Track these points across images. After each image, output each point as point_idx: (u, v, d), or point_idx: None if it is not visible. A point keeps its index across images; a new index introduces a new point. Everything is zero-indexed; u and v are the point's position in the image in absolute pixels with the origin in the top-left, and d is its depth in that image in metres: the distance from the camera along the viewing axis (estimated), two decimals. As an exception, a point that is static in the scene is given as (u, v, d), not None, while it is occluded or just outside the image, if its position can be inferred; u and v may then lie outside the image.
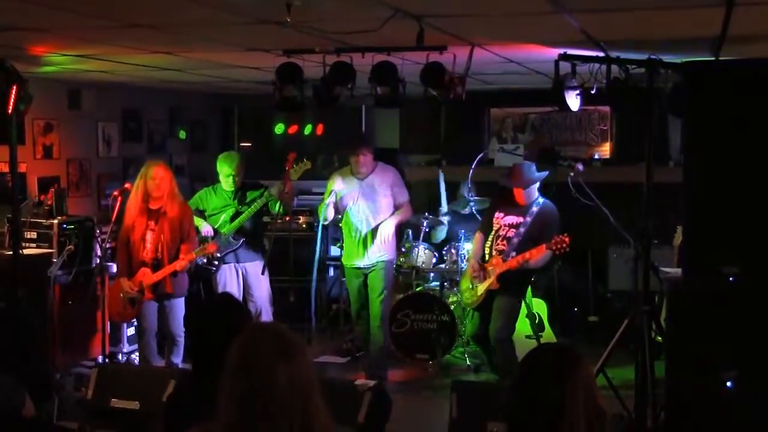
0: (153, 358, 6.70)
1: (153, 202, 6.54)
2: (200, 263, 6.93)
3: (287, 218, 7.26)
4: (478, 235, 6.79)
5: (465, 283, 6.81)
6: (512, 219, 6.54)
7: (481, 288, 6.55)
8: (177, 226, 6.54)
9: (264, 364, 2.30)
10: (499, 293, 6.48)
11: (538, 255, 6.30)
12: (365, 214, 7.02)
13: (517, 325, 6.83)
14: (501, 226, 6.56)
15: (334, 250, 8.84)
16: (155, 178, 6.49)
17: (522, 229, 6.46)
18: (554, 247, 6.17)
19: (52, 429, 3.53)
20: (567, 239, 6.13)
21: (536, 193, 6.58)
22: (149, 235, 6.52)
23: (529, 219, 6.46)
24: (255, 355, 2.33)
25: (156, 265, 6.51)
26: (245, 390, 2.29)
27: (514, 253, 6.40)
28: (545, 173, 6.68)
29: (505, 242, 6.50)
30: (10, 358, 5.68)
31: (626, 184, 7.95)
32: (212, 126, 10.80)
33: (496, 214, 6.63)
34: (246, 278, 7.22)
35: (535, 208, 6.49)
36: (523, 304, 7.03)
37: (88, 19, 4.53)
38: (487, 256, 6.60)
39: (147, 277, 6.50)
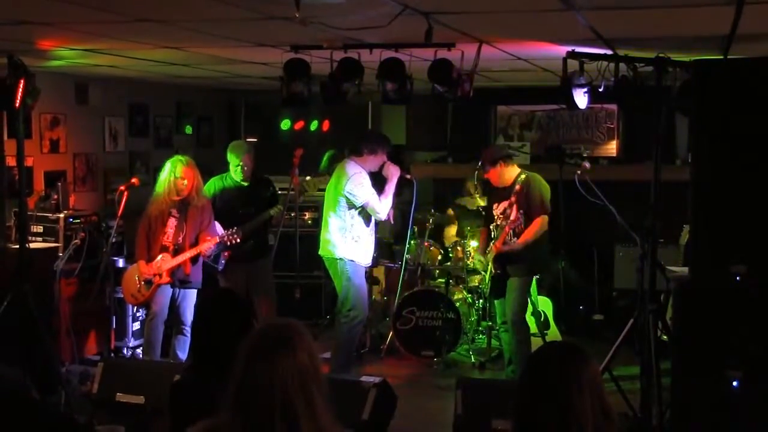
0: (157, 345, 6.70)
1: (179, 194, 6.62)
2: (208, 262, 6.91)
3: (293, 214, 7.22)
4: (483, 231, 7.03)
5: (477, 256, 7.11)
6: (504, 205, 6.67)
7: (487, 276, 6.82)
8: (198, 215, 6.61)
9: (260, 356, 2.30)
10: (508, 276, 6.65)
11: (507, 233, 6.54)
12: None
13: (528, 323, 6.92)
14: (497, 217, 6.71)
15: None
16: (183, 178, 6.55)
17: (509, 211, 6.59)
18: (513, 226, 6.46)
19: (62, 417, 3.54)
20: (518, 214, 6.44)
21: (516, 171, 6.68)
22: (171, 222, 6.59)
23: (513, 199, 6.59)
24: (253, 348, 2.33)
25: (176, 251, 6.56)
26: (246, 383, 2.29)
27: (515, 239, 6.58)
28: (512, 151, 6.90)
29: (498, 230, 6.67)
30: (16, 351, 5.71)
31: (633, 182, 7.95)
32: (218, 121, 10.81)
33: (494, 205, 6.80)
34: (251, 275, 7.22)
35: (517, 186, 6.60)
36: (529, 301, 7.07)
37: (97, 12, 4.53)
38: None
39: (166, 260, 6.54)
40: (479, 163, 6.98)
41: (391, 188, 6.84)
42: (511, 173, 6.67)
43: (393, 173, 6.86)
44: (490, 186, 6.98)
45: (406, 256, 8.22)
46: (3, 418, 2.57)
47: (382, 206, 6.77)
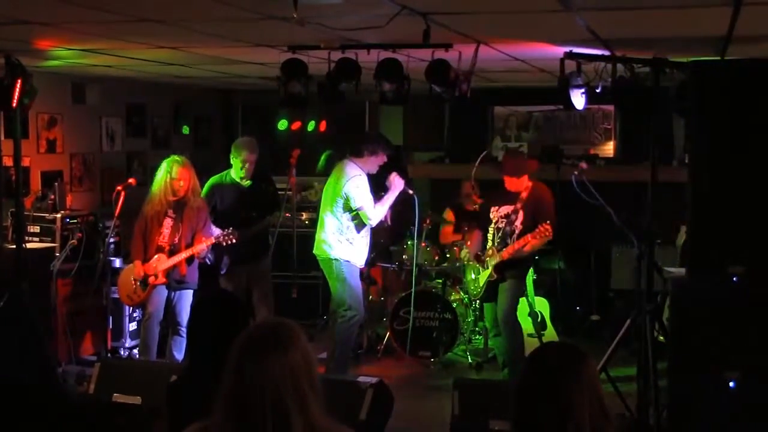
0: (153, 345, 6.68)
1: (175, 195, 6.59)
2: (208, 263, 6.90)
3: (286, 214, 7.21)
4: (476, 233, 6.90)
5: (468, 276, 6.90)
6: (506, 209, 6.60)
7: (482, 279, 6.67)
8: (195, 216, 6.58)
9: (251, 355, 2.27)
10: (500, 281, 6.58)
11: (524, 244, 6.38)
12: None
13: (520, 323, 6.87)
14: (498, 219, 6.64)
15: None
16: (179, 179, 6.52)
17: (514, 217, 6.53)
18: (538, 237, 6.27)
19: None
20: (549, 227, 6.21)
21: (526, 179, 6.61)
22: (167, 222, 6.56)
23: (519, 206, 6.53)
24: (244, 347, 2.31)
25: (172, 252, 6.54)
26: (237, 383, 2.27)
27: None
28: (535, 163, 6.81)
29: (500, 234, 6.58)
30: (13, 351, 5.71)
31: (630, 183, 7.96)
32: (216, 121, 10.81)
33: (492, 208, 6.71)
34: (252, 276, 7.22)
35: (524, 194, 6.55)
36: (525, 302, 7.06)
37: (95, 12, 4.52)
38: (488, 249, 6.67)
39: (162, 261, 6.52)
40: (503, 164, 6.81)
41: (389, 199, 6.82)
42: (524, 181, 6.59)
43: (396, 185, 6.83)
44: (491, 188, 6.93)
45: (404, 256, 8.23)
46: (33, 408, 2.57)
47: (376, 213, 6.74)
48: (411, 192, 7.04)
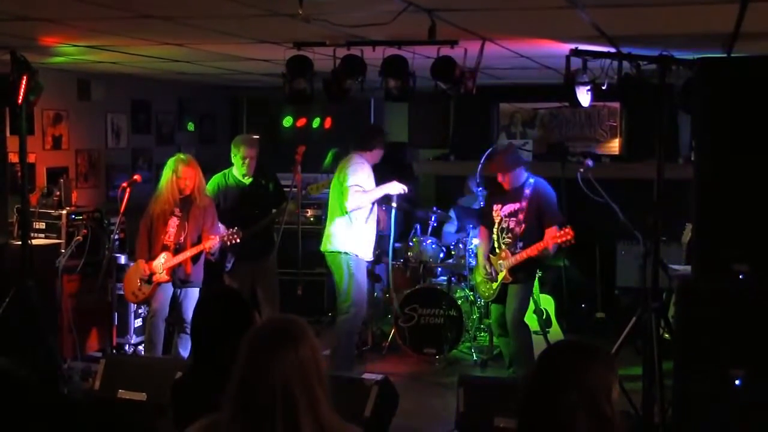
0: (158, 342, 6.68)
1: (181, 194, 6.58)
2: (213, 260, 6.90)
3: (296, 211, 7.22)
4: (482, 230, 6.87)
5: (479, 278, 6.85)
6: (510, 207, 6.55)
7: (496, 283, 6.62)
8: (201, 214, 6.57)
9: (262, 350, 2.28)
10: (513, 282, 6.55)
11: (542, 248, 6.35)
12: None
13: (528, 325, 6.87)
14: (502, 218, 6.58)
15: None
16: (185, 178, 6.51)
17: (521, 216, 6.48)
18: (559, 241, 6.24)
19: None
20: (571, 232, 6.18)
21: (525, 175, 6.58)
22: (173, 221, 6.54)
23: (524, 203, 6.48)
24: (255, 342, 2.32)
25: (177, 250, 6.53)
26: (247, 378, 2.28)
27: (521, 244, 6.43)
28: (526, 158, 6.79)
29: (510, 234, 6.52)
30: (18, 347, 5.72)
31: (635, 180, 7.94)
32: (221, 118, 10.81)
33: (494, 206, 6.66)
34: (257, 273, 7.22)
35: (527, 191, 6.50)
36: (531, 300, 7.04)
37: (100, 9, 4.52)
38: (496, 250, 6.62)
39: (168, 259, 6.52)
40: (490, 164, 6.83)
41: (375, 192, 6.90)
42: (521, 176, 6.56)
43: (393, 189, 6.95)
44: (492, 186, 6.93)
45: (409, 254, 8.23)
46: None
47: (356, 198, 6.77)
48: (394, 204, 7.16)
